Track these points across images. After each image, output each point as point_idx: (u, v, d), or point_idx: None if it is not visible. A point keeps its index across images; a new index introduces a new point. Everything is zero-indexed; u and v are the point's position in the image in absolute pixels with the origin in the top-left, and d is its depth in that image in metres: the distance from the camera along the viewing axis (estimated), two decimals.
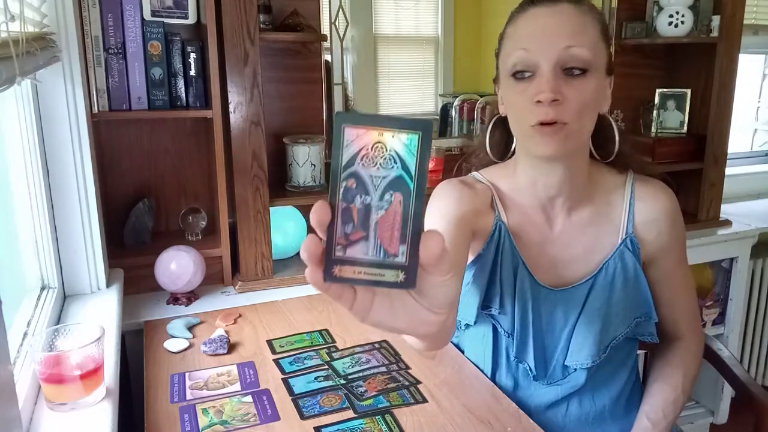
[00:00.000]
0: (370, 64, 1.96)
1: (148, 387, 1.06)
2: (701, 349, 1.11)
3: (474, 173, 1.08)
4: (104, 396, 0.89)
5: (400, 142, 0.40)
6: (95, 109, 1.37)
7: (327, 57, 1.77)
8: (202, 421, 0.95)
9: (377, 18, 1.94)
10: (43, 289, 1.19)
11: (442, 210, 0.96)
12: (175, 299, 1.44)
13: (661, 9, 1.96)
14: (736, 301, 2.14)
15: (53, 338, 0.89)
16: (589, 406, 1.03)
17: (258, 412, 0.98)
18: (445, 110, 2.05)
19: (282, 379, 1.09)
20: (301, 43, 1.67)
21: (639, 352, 1.11)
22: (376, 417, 0.96)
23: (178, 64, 1.45)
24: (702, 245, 1.97)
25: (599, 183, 1.01)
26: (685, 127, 2.03)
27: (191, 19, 1.47)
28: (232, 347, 1.20)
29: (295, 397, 1.02)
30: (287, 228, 1.67)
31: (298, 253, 1.56)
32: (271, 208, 1.53)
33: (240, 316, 1.36)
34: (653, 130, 2.06)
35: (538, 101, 0.86)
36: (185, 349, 1.19)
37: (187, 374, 1.10)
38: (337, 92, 1.81)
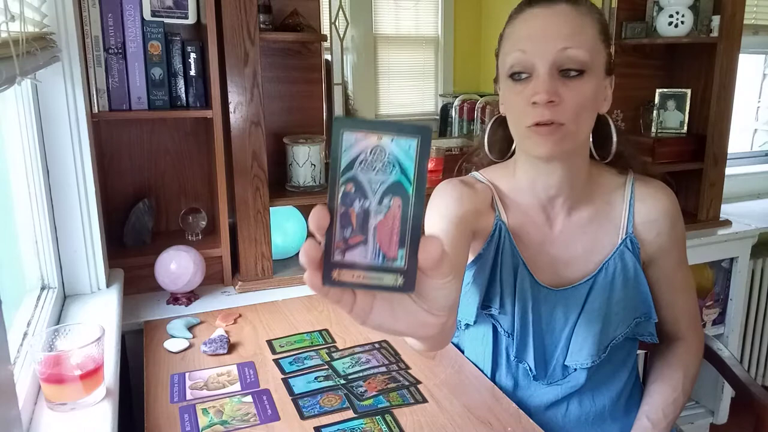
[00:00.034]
0: (370, 64, 1.96)
1: (148, 387, 1.06)
2: (701, 349, 1.11)
3: (474, 173, 1.08)
4: (104, 396, 0.89)
5: (398, 147, 0.40)
6: (95, 109, 1.37)
7: (327, 57, 1.78)
8: (202, 421, 0.95)
9: (377, 18, 1.94)
10: (43, 289, 1.19)
11: (442, 210, 0.97)
12: (175, 299, 1.44)
13: (661, 9, 1.96)
14: (736, 301, 2.14)
15: (53, 338, 0.89)
16: (589, 406, 1.03)
17: (258, 412, 0.98)
18: (445, 110, 2.05)
19: (282, 379, 1.09)
20: (301, 43, 1.67)
21: (639, 352, 1.11)
22: (376, 417, 0.96)
23: (178, 64, 1.45)
24: (702, 245, 1.97)
25: (599, 183, 1.01)
26: (685, 127, 2.03)
27: (191, 19, 1.47)
28: (232, 347, 1.20)
29: (295, 397, 1.02)
30: (287, 228, 1.67)
31: (298, 254, 1.56)
32: (271, 208, 1.53)
33: (240, 316, 1.36)
34: (653, 130, 2.06)
35: (534, 102, 0.86)
36: (185, 349, 1.19)
37: (187, 374, 1.10)
38: (337, 92, 1.81)
